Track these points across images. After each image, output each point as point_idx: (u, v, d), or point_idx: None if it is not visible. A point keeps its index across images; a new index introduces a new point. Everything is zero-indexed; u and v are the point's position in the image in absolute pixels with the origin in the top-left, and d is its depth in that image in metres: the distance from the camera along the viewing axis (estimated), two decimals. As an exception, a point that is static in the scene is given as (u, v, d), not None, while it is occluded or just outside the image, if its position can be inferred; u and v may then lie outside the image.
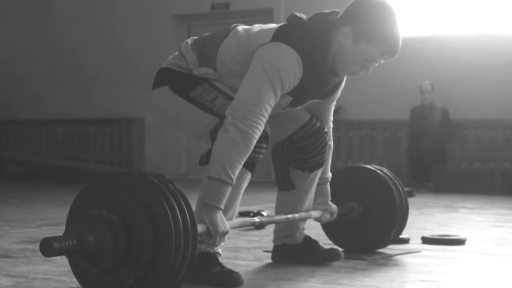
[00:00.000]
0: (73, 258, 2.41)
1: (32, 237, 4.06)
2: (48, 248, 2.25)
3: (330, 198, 3.40)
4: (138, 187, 2.37)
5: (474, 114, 9.12)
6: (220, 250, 2.92)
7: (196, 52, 2.97)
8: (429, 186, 8.82)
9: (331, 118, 3.34)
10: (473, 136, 9.23)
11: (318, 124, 3.21)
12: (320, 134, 3.22)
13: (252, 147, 2.74)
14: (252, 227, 4.55)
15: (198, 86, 2.92)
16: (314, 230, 3.83)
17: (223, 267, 2.84)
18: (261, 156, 2.88)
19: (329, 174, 3.39)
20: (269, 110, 2.79)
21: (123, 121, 11.10)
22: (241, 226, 2.98)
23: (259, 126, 2.75)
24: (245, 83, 2.79)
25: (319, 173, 3.28)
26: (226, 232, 2.74)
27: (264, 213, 4.32)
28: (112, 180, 2.47)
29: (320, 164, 3.26)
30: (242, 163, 2.74)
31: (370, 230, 3.56)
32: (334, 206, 3.40)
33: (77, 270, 2.47)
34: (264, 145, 2.86)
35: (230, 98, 2.86)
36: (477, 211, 6.24)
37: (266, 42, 2.84)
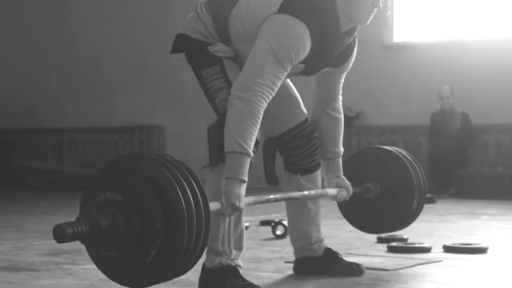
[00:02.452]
0: (88, 244, 2.42)
1: (55, 249, 4.07)
2: (61, 234, 2.26)
3: (342, 173, 3.37)
4: (139, 164, 2.41)
5: (494, 118, 9.08)
6: (240, 262, 2.92)
7: (211, 14, 2.97)
8: (450, 191, 8.78)
9: (341, 91, 3.32)
10: (494, 141, 9.19)
11: (310, 127, 3.23)
12: (311, 137, 3.23)
13: (260, 115, 2.75)
14: (273, 236, 4.57)
15: (210, 66, 2.93)
16: (335, 239, 3.83)
17: (244, 280, 2.84)
18: (252, 159, 2.89)
19: (341, 149, 3.37)
20: (276, 82, 2.80)
21: (144, 129, 11.14)
22: (256, 203, 2.93)
23: (264, 96, 2.76)
24: (250, 57, 2.82)
25: (315, 177, 3.26)
26: (238, 207, 2.73)
27: (285, 223, 4.33)
28: (116, 163, 2.49)
29: (313, 167, 3.25)
30: (254, 132, 2.75)
31: (388, 210, 3.54)
32: (348, 182, 3.38)
33: (100, 261, 2.48)
34: (254, 149, 2.84)
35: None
36: (498, 217, 6.20)
37: (272, 13, 2.83)
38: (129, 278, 2.42)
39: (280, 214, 5.40)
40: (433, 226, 5.42)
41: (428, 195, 7.96)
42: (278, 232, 4.58)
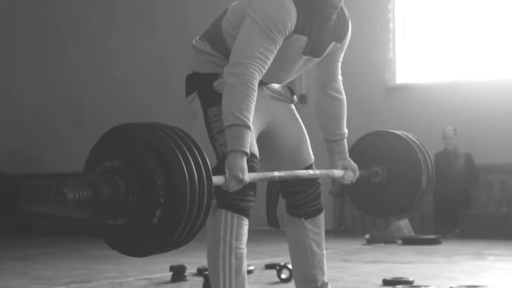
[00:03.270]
0: (92, 211, 2.42)
1: (60, 295, 4.07)
2: (62, 198, 2.28)
3: (348, 154, 3.35)
4: (133, 130, 2.44)
5: (498, 159, 9.08)
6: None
7: (207, 41, 3.02)
8: (455, 232, 8.76)
9: (339, 70, 3.32)
10: (498, 181, 9.17)
11: None
12: (313, 182, 3.22)
13: (254, 87, 2.78)
14: (278, 280, 4.55)
15: (216, 105, 2.93)
16: (340, 282, 3.82)
17: None
18: (251, 203, 2.91)
19: (345, 130, 3.35)
20: (266, 53, 2.83)
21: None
22: (259, 179, 2.91)
23: (255, 67, 2.79)
24: (238, 36, 2.85)
25: (319, 220, 3.24)
26: (242, 179, 2.72)
27: (290, 266, 4.32)
28: (110, 133, 2.52)
29: (317, 211, 3.22)
30: (250, 104, 2.77)
31: (395, 194, 3.52)
32: (354, 163, 3.37)
33: (107, 233, 2.48)
34: (252, 193, 2.88)
35: None
36: (505, 257, 6.18)
37: None
38: (139, 245, 2.43)
39: (285, 258, 5.38)
40: (439, 267, 5.40)
41: (433, 236, 8.00)
42: (283, 276, 4.56)
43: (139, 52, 11.30)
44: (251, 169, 2.85)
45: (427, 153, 3.52)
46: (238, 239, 2.88)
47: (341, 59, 3.30)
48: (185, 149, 2.39)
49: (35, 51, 12.06)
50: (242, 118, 2.74)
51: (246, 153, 2.75)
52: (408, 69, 9.77)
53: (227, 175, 2.72)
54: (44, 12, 12.00)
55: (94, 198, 2.32)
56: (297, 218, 3.22)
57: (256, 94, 2.80)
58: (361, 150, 3.45)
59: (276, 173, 2.97)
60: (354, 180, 3.32)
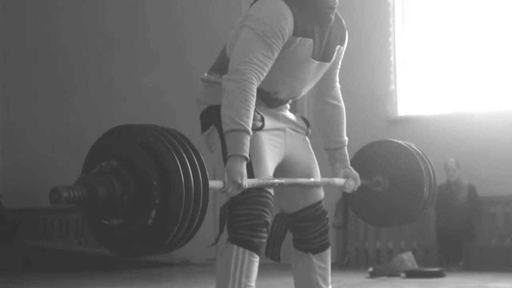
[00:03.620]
0: (87, 211, 2.42)
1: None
2: (56, 196, 2.28)
3: (349, 163, 3.35)
4: (130, 130, 2.46)
5: (501, 190, 9.04)
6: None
7: (216, 71, 3.05)
8: (459, 264, 8.70)
9: (337, 78, 3.35)
10: (501, 213, 9.12)
11: (323, 208, 3.21)
12: (322, 218, 3.21)
13: (252, 92, 2.79)
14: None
15: None
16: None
17: None
18: (264, 240, 2.90)
19: (345, 138, 3.36)
20: (264, 59, 2.85)
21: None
22: (259, 185, 2.88)
23: (253, 73, 2.80)
24: (235, 45, 2.89)
25: (326, 255, 3.22)
26: (241, 184, 2.71)
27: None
28: (107, 135, 2.54)
29: (323, 246, 3.21)
30: (249, 109, 2.78)
31: (396, 204, 3.50)
32: (355, 172, 3.34)
33: (102, 233, 2.48)
34: (265, 229, 2.88)
35: (251, 176, 2.86)
36: (509, 290, 6.14)
37: (248, 12, 2.94)
38: (133, 246, 2.41)
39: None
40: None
41: (437, 269, 7.94)
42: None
43: (140, 87, 11.31)
44: (266, 205, 2.84)
45: (429, 162, 3.52)
46: (248, 276, 2.87)
47: (339, 66, 3.31)
48: (181, 150, 2.40)
49: (35, 87, 12.08)
50: (241, 123, 2.75)
51: (246, 158, 2.75)
52: (410, 101, 9.77)
53: (226, 179, 2.70)
54: (44, 48, 12.03)
55: (89, 198, 2.32)
56: (304, 252, 3.21)
57: (254, 99, 2.81)
58: (363, 160, 3.46)
59: (276, 180, 2.97)
60: (355, 189, 3.32)
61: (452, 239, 8.82)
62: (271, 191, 2.95)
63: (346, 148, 3.35)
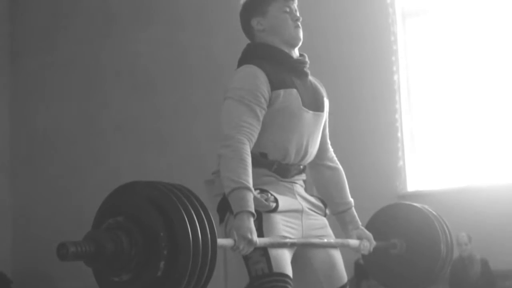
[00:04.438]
0: (96, 267, 2.41)
1: None
2: (64, 251, 2.29)
3: (360, 224, 3.33)
4: (136, 186, 2.48)
5: (515, 263, 8.99)
6: None
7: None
8: None
9: (328, 140, 3.39)
10: (516, 286, 9.05)
11: None
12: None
13: (247, 153, 2.83)
14: None
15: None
16: None
17: None
18: (289, 286, 2.87)
19: (351, 199, 3.35)
20: (250, 120, 2.92)
21: None
22: (270, 244, 2.87)
23: (243, 136, 2.87)
24: (221, 119, 2.97)
25: None
26: (251, 239, 2.70)
27: None
28: (114, 193, 2.56)
29: None
30: (247, 168, 2.81)
31: (414, 267, 3.47)
32: (368, 232, 3.32)
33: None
34: (289, 279, 2.86)
35: (268, 262, 2.87)
36: None
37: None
38: None
39: None
40: None
41: None
42: None
43: (149, 172, 11.35)
44: None
45: (445, 223, 3.52)
46: None
47: (327, 129, 3.37)
48: (187, 203, 2.44)
49: (45, 170, 12.15)
50: (241, 181, 2.77)
51: (253, 214, 2.74)
52: (419, 177, 9.79)
53: (235, 237, 2.70)
54: (54, 132, 12.14)
55: (96, 253, 2.32)
56: None
57: (250, 158, 2.84)
58: (378, 223, 3.47)
59: (288, 240, 2.95)
60: (371, 249, 3.30)
61: (467, 314, 8.73)
62: (290, 273, 2.93)
63: (353, 209, 3.36)
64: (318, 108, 3.16)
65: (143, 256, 2.37)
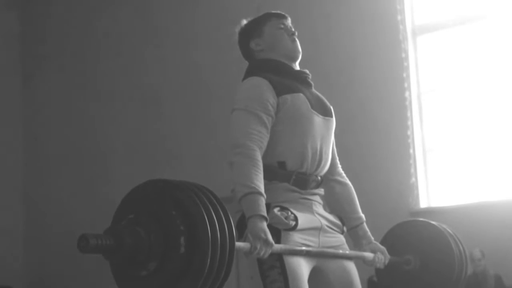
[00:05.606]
0: (113, 259, 2.42)
1: None
2: (84, 243, 2.30)
3: (372, 238, 3.34)
4: (174, 191, 2.47)
5: (529, 279, 8.95)
6: None
7: None
8: None
9: (336, 155, 3.42)
10: (531, 302, 9.00)
11: None
12: None
13: (258, 158, 2.88)
14: None
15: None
16: None
17: None
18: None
19: (362, 214, 3.36)
20: (258, 128, 2.96)
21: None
22: (286, 250, 2.87)
23: (253, 143, 2.90)
24: (230, 130, 3.01)
25: None
26: (267, 239, 2.71)
27: None
28: (151, 186, 2.55)
29: None
30: (259, 174, 2.84)
31: (425, 285, 3.46)
32: (381, 246, 3.33)
33: (129, 286, 2.47)
34: None
35: (286, 282, 2.88)
36: None
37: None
38: None
39: None
40: None
41: None
42: None
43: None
44: None
45: (460, 242, 3.52)
46: None
47: (334, 144, 3.39)
48: (205, 199, 2.44)
49: (58, 187, 12.20)
50: (253, 186, 2.79)
51: (265, 218, 2.75)
52: (432, 193, 9.77)
53: (250, 239, 2.71)
54: (67, 152, 12.19)
55: (116, 247, 2.34)
56: None
57: (261, 165, 2.87)
58: (393, 239, 3.46)
59: (304, 248, 2.95)
60: (386, 262, 3.31)
61: (482, 331, 8.69)
62: None
63: (365, 224, 3.36)
64: (327, 113, 3.23)
65: (161, 252, 2.37)
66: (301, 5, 9.65)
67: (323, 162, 3.20)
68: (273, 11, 3.36)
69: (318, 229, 3.11)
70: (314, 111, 3.15)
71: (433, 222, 3.59)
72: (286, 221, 2.93)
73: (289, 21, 3.32)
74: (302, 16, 8.69)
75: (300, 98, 3.10)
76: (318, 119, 3.16)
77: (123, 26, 11.96)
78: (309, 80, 3.27)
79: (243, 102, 3.00)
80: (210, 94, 11.06)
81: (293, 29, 3.29)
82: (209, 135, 10.93)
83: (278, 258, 2.90)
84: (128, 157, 11.66)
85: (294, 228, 2.97)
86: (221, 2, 11.07)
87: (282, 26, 3.26)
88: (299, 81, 3.20)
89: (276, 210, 2.93)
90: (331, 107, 3.31)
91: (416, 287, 3.45)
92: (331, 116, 3.24)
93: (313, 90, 3.30)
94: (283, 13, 3.36)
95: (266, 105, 2.99)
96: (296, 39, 3.28)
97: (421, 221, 3.64)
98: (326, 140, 3.21)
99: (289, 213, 2.97)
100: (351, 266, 3.20)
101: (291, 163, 3.06)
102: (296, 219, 2.99)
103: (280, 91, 3.05)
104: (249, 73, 3.19)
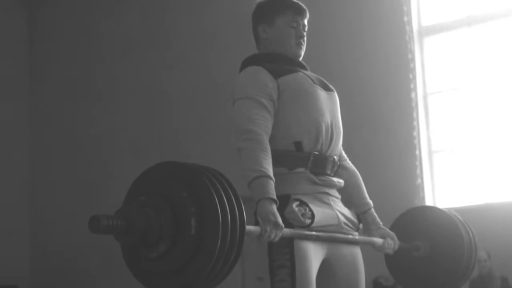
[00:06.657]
0: (123, 239, 2.43)
1: None
2: (95, 224, 2.30)
3: (381, 224, 3.33)
4: (185, 173, 2.47)
5: (535, 280, 8.93)
6: None
7: None
8: None
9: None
10: (536, 304, 8.99)
11: None
12: None
13: (266, 142, 2.88)
14: None
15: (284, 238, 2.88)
16: None
17: None
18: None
19: (369, 200, 3.35)
20: (262, 113, 2.96)
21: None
22: (294, 236, 2.86)
23: (260, 129, 2.91)
24: (234, 119, 3.00)
25: None
26: (276, 222, 2.70)
27: None
28: (162, 168, 2.55)
29: None
30: (268, 158, 2.83)
31: (436, 270, 3.46)
32: (390, 231, 3.32)
33: (138, 267, 2.48)
34: None
35: (293, 283, 2.87)
36: None
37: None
38: (170, 280, 2.41)
39: None
40: None
41: None
42: None
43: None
44: None
45: (470, 229, 3.52)
46: None
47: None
48: (215, 182, 2.45)
49: (64, 188, 12.22)
50: (262, 169, 2.79)
51: (275, 201, 2.74)
52: (437, 194, 9.77)
53: (260, 222, 2.69)
54: (73, 153, 12.21)
55: (127, 228, 2.34)
56: None
57: (269, 149, 2.87)
58: (403, 225, 3.47)
59: (313, 233, 2.94)
60: (396, 248, 3.30)
61: (487, 332, 8.68)
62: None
63: (373, 210, 3.36)
64: (329, 88, 3.23)
65: (172, 235, 2.38)
66: (307, 6, 9.65)
67: (335, 137, 3.19)
68: (294, 1, 3.31)
69: (334, 226, 3.09)
70: (317, 86, 3.18)
71: (443, 208, 3.59)
72: (302, 218, 2.91)
73: (305, 20, 3.28)
74: (309, 17, 8.62)
75: (300, 76, 3.12)
76: (322, 93, 3.18)
77: (130, 27, 11.99)
78: (304, 64, 3.29)
79: (243, 91, 3.02)
80: (218, 95, 11.07)
81: (304, 31, 3.25)
82: (218, 136, 10.94)
83: (290, 258, 2.89)
84: (136, 159, 11.66)
85: (309, 226, 2.95)
86: (229, 3, 11.08)
87: (295, 24, 3.22)
88: (294, 64, 3.22)
89: (294, 205, 2.92)
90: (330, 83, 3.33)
91: (425, 273, 3.46)
92: (333, 90, 3.25)
93: (309, 71, 3.31)
94: (303, 7, 3.31)
95: (266, 90, 3.00)
96: (303, 43, 3.26)
97: (431, 207, 3.65)
98: (334, 114, 3.21)
99: (307, 209, 2.95)
100: (361, 263, 3.19)
101: (307, 141, 3.05)
102: (312, 217, 2.97)
103: (277, 74, 3.06)
104: (244, 65, 3.20)
